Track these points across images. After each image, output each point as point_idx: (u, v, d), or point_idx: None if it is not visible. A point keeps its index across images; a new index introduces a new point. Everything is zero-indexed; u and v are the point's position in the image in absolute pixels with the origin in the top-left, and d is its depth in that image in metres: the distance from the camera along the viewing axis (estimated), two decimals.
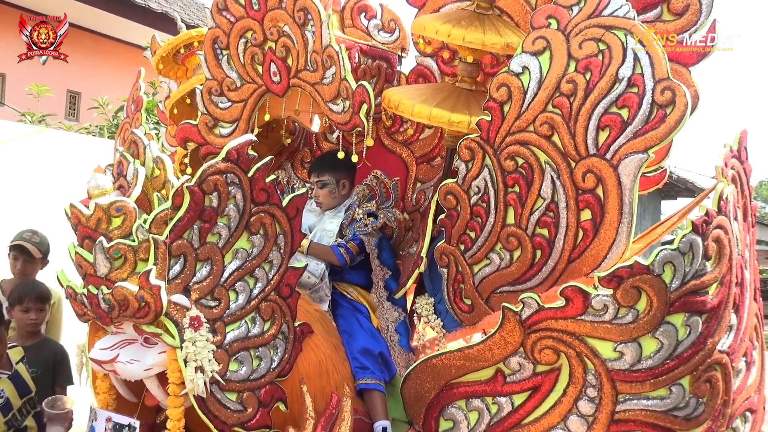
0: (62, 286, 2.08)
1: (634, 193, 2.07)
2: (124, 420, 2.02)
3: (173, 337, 1.94)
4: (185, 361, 1.93)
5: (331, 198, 2.73)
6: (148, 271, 1.87)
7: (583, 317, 2.06)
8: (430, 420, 2.43)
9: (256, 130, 2.86)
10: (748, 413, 2.31)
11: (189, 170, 2.95)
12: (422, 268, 2.58)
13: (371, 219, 2.73)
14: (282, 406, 2.19)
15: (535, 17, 2.27)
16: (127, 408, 2.18)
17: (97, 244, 1.91)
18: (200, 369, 1.94)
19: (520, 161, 2.24)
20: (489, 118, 2.26)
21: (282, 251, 2.21)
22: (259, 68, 2.73)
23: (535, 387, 2.22)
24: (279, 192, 2.20)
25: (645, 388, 2.08)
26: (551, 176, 2.19)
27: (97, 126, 6.24)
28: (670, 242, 1.99)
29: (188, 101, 3.20)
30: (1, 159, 4.47)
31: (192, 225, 1.99)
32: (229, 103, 2.83)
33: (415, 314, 2.71)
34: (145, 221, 1.95)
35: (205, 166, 1.99)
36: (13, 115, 6.26)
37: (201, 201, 1.98)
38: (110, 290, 1.90)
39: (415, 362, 2.65)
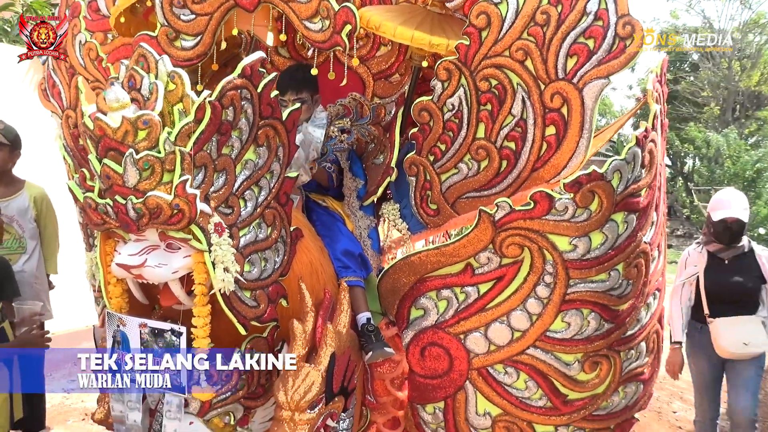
0: (76, 198, 2.15)
1: (594, 114, 2.45)
2: (164, 325, 2.16)
3: (200, 241, 2.09)
4: (213, 264, 2.10)
5: (307, 113, 2.88)
6: (185, 181, 1.99)
7: (547, 217, 2.45)
8: (402, 310, 2.77)
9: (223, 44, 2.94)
10: (657, 292, 2.86)
11: None
12: (393, 177, 2.85)
13: (345, 135, 2.93)
14: (284, 302, 2.42)
15: None
16: (135, 310, 2.32)
17: (128, 156, 1.99)
18: (226, 270, 2.12)
19: (494, 82, 2.54)
20: (468, 43, 2.52)
21: (281, 162, 2.38)
22: None
23: (499, 277, 2.61)
24: None
25: (591, 273, 2.53)
26: (522, 96, 2.51)
27: None
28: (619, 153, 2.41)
29: (140, 10, 3.16)
30: None
31: (211, 138, 2.11)
32: (193, 16, 2.85)
33: (381, 218, 3.01)
34: (169, 134, 2.04)
35: (224, 81, 2.09)
36: None
37: (219, 115, 2.10)
38: (140, 200, 2.00)
39: (381, 261, 2.99)
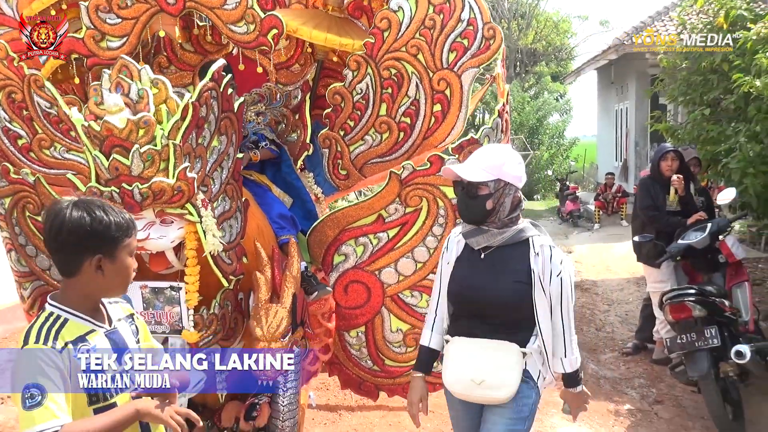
0: (76, 189, 2.54)
1: (469, 94, 3.26)
2: (162, 284, 2.63)
3: (193, 215, 2.60)
4: (204, 232, 2.62)
5: None
6: (186, 168, 2.49)
7: (440, 173, 3.24)
8: (327, 257, 3.45)
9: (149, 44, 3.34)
10: None
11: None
12: (311, 151, 3.48)
13: (261, 117, 3.48)
14: (245, 259, 2.99)
15: None
16: None
17: (134, 150, 2.43)
18: (213, 236, 2.66)
19: (394, 71, 3.25)
20: (373, 41, 3.20)
21: (234, 146, 2.92)
22: None
23: (404, 223, 3.37)
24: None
25: None
26: (416, 82, 3.26)
27: None
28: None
29: (53, 12, 3.41)
30: None
31: (192, 131, 2.61)
32: (119, 20, 3.22)
33: None
34: (163, 130, 2.51)
35: (200, 85, 2.60)
36: None
37: (198, 112, 2.60)
38: (145, 185, 2.47)
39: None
